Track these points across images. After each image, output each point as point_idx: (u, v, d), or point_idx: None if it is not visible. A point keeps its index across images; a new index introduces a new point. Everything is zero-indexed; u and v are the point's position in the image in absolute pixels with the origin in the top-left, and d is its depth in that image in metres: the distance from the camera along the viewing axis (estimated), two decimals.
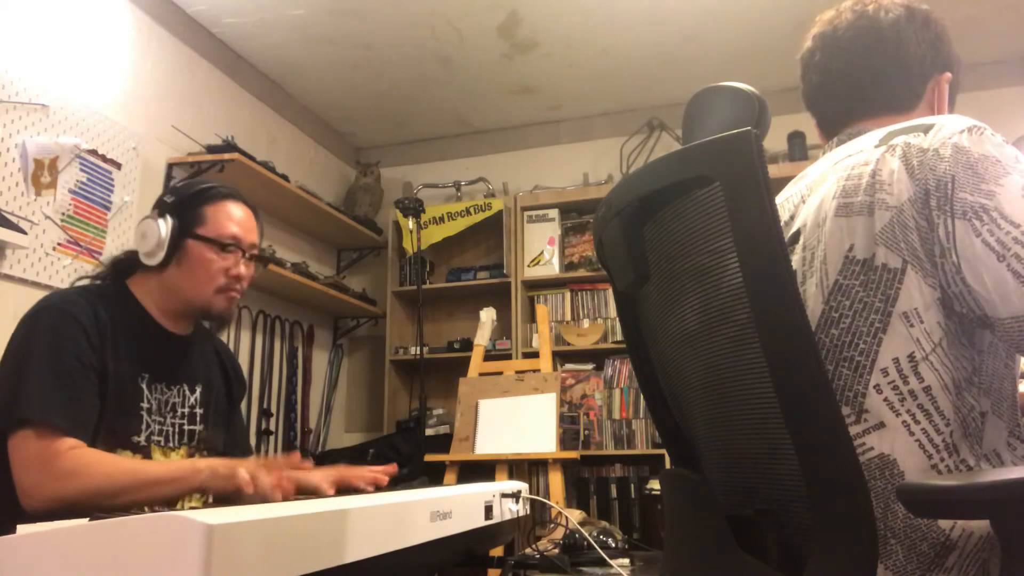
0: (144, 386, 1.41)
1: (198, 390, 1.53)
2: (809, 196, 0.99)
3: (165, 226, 1.42)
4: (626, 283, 0.93)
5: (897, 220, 0.84)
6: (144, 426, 1.40)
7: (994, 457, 0.83)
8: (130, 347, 1.40)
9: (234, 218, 1.49)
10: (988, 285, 0.79)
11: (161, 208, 1.45)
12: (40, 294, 2.37)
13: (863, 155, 0.91)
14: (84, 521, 0.74)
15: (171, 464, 1.34)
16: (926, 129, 0.88)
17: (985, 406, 0.84)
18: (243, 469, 1.20)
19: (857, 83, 1.07)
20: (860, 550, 0.66)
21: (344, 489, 1.42)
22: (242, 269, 1.48)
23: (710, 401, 0.85)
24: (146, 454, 1.40)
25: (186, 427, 1.48)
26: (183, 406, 1.49)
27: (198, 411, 1.51)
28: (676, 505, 0.92)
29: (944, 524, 0.78)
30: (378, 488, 1.45)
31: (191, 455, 1.49)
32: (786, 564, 0.73)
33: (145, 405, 1.41)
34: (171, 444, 1.45)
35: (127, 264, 1.49)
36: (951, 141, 0.85)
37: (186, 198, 1.47)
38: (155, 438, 1.42)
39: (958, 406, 0.82)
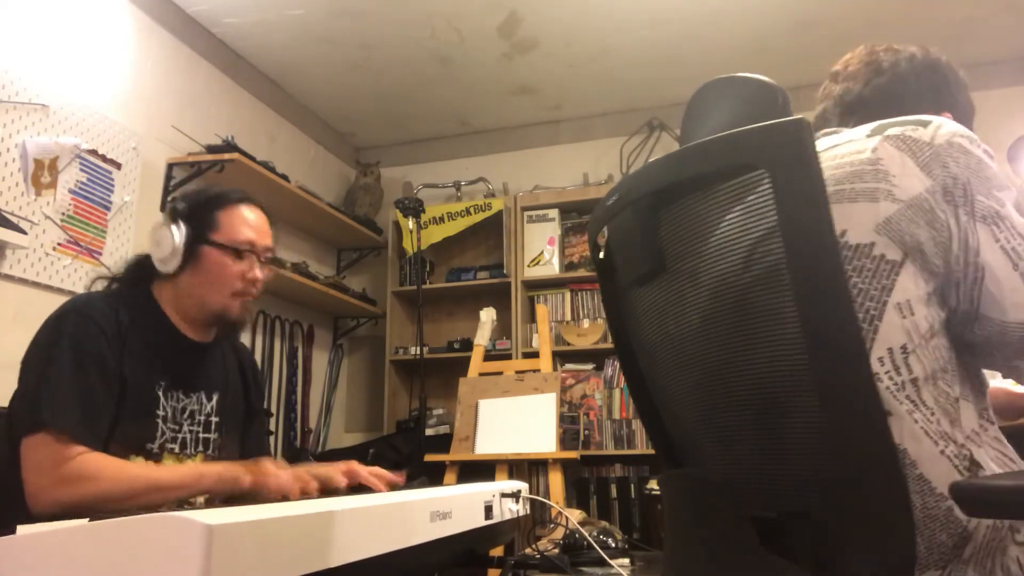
0: (160, 393, 1.41)
1: (215, 397, 1.53)
2: None
3: (179, 233, 1.42)
4: (636, 275, 0.90)
5: (904, 214, 0.85)
6: (159, 433, 1.40)
7: (976, 438, 0.85)
8: (149, 354, 1.40)
9: (248, 222, 1.49)
10: (1004, 289, 0.82)
11: (174, 215, 1.45)
12: (40, 294, 2.38)
13: (853, 144, 0.92)
14: (84, 521, 0.74)
15: (178, 469, 1.35)
16: (924, 124, 0.89)
17: (957, 392, 0.85)
18: (248, 472, 1.21)
19: (850, 105, 1.13)
20: (898, 546, 0.66)
21: (353, 486, 1.43)
22: (257, 273, 1.49)
23: (728, 400, 0.84)
24: (158, 461, 1.40)
25: (201, 435, 1.49)
26: (200, 414, 1.49)
27: (214, 419, 1.51)
28: (687, 507, 0.91)
29: (960, 513, 0.78)
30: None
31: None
32: (816, 564, 0.72)
33: (161, 412, 1.41)
34: (188, 451, 1.45)
35: (147, 269, 1.49)
36: (956, 141, 0.87)
37: (199, 204, 1.47)
38: (169, 445, 1.42)
39: (935, 396, 0.84)
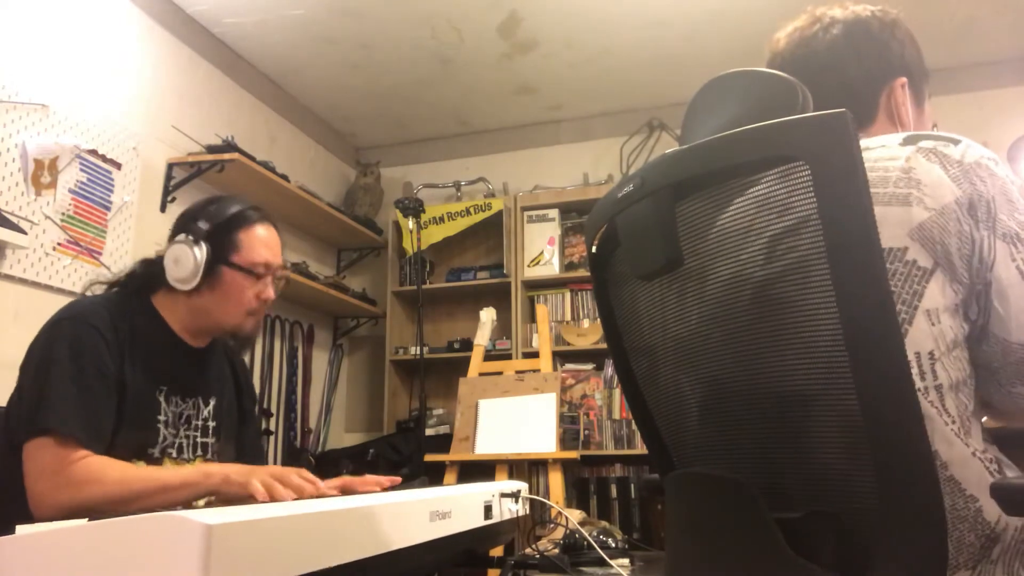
0: (162, 399, 1.42)
1: (212, 402, 1.54)
2: None
3: (200, 253, 1.43)
4: (647, 270, 0.89)
5: (936, 222, 0.85)
6: (160, 439, 1.41)
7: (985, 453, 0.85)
8: (149, 359, 1.41)
9: (265, 243, 1.53)
10: (1012, 309, 0.84)
11: (195, 234, 1.45)
12: (40, 294, 2.38)
13: (887, 150, 0.91)
14: (84, 521, 0.74)
15: (184, 469, 1.35)
16: (955, 142, 0.90)
17: (972, 407, 0.86)
18: (257, 480, 1.21)
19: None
20: (932, 550, 0.65)
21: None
22: (271, 292, 1.52)
23: (747, 399, 0.82)
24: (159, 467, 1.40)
25: (199, 439, 1.49)
26: (198, 418, 1.50)
27: (211, 424, 1.53)
28: (698, 507, 0.89)
29: (989, 515, 0.79)
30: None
31: None
32: (843, 567, 0.71)
33: (162, 418, 1.41)
34: (186, 456, 1.46)
35: (149, 279, 1.50)
36: (984, 162, 0.88)
37: (219, 224, 1.47)
38: (169, 451, 1.42)
39: (956, 405, 0.84)
